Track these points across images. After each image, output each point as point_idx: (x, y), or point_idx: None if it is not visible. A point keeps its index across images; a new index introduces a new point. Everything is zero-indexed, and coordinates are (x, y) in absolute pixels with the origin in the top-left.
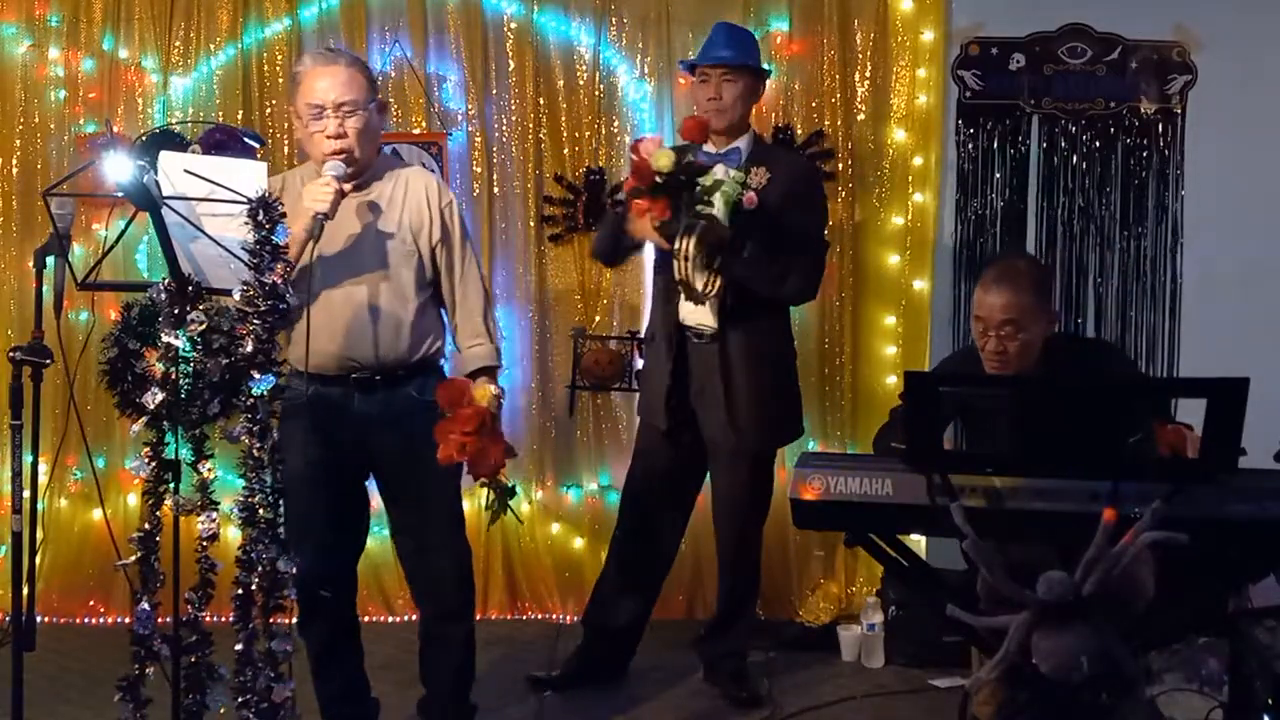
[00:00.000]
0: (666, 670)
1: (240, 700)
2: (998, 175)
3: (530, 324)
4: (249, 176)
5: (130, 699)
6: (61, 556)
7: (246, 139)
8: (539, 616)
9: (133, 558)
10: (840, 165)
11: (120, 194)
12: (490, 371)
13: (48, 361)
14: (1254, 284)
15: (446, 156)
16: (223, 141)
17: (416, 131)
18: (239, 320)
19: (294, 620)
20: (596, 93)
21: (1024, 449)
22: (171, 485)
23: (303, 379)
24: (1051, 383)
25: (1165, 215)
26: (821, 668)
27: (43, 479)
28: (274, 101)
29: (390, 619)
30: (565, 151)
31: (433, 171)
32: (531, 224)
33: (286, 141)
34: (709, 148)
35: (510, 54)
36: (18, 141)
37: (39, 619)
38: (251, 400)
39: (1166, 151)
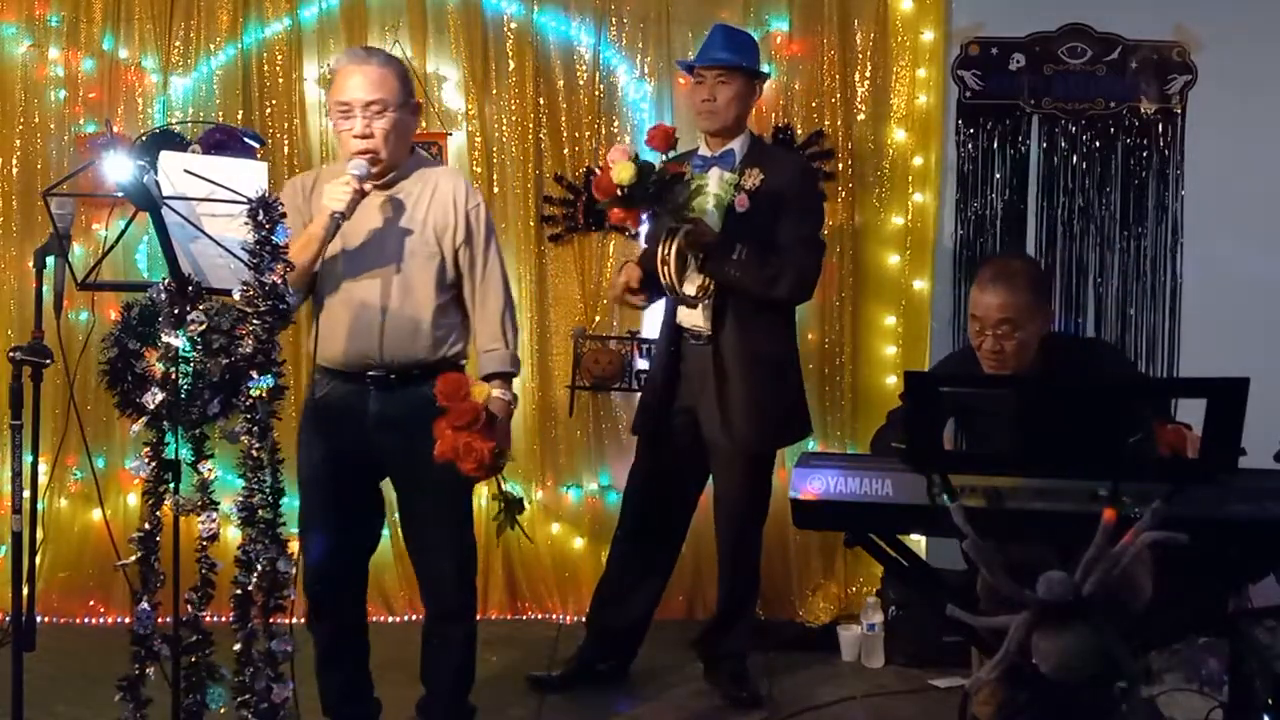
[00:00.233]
0: (666, 670)
1: (239, 700)
2: (998, 175)
3: (530, 324)
4: (249, 176)
5: (130, 699)
6: (61, 556)
7: (246, 139)
8: (539, 616)
9: (133, 558)
10: (840, 165)
11: (120, 194)
12: (505, 377)
13: (48, 361)
14: (1254, 284)
15: (446, 156)
16: (223, 141)
17: (416, 131)
18: (239, 320)
19: (292, 621)
20: (596, 93)
21: (1024, 449)
22: (171, 485)
23: (325, 375)
24: (1051, 383)
25: (1165, 215)
26: (821, 668)
27: (43, 479)
28: (274, 101)
29: (390, 619)
30: (565, 151)
31: None
32: (531, 224)
33: (286, 142)
34: (704, 151)
35: (510, 54)
36: (18, 141)
37: (39, 619)
38: (251, 400)
39: (1166, 151)
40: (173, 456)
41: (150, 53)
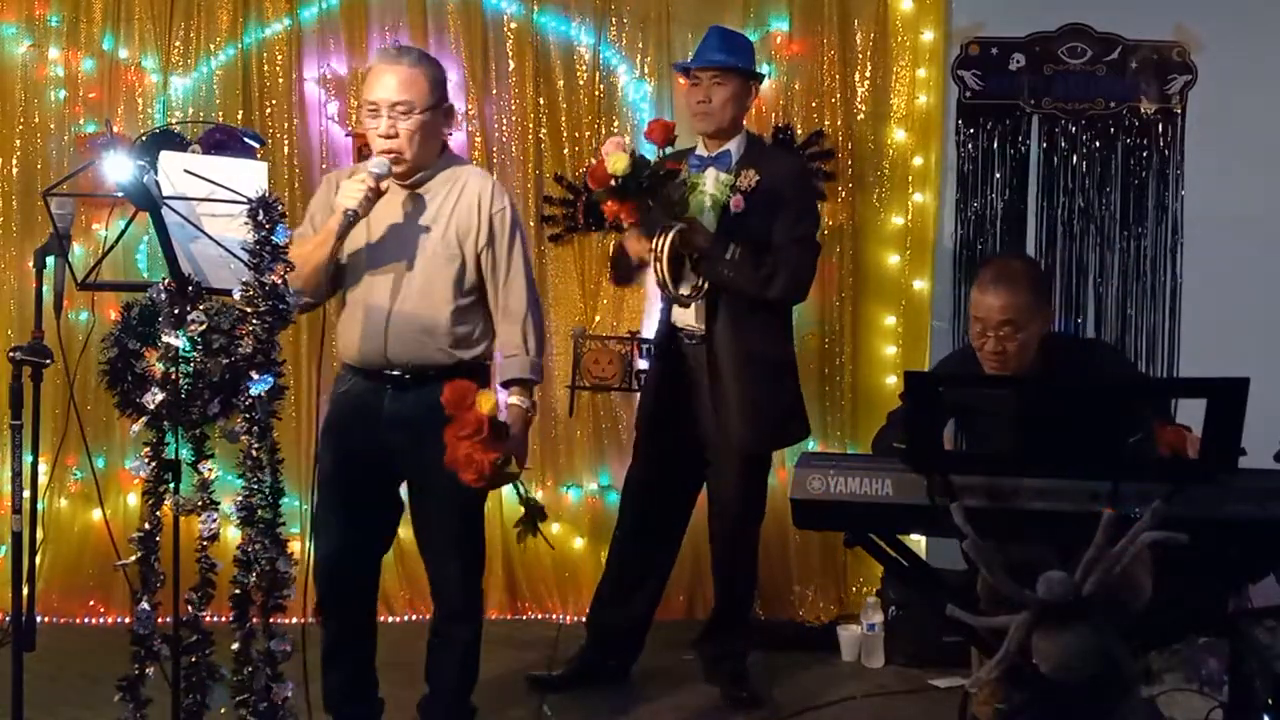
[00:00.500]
0: (666, 670)
1: (238, 700)
2: (998, 175)
3: None
4: (249, 176)
5: (130, 699)
6: (61, 556)
7: (246, 139)
8: (539, 616)
9: (133, 558)
10: (840, 165)
11: (120, 194)
12: (524, 384)
13: (48, 361)
14: (1254, 284)
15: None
16: (223, 141)
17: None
18: (239, 320)
19: (299, 621)
20: (596, 93)
21: (1024, 449)
22: (171, 485)
23: (347, 371)
24: (1051, 383)
25: (1165, 215)
26: (821, 668)
27: (43, 479)
28: (274, 101)
29: (390, 619)
30: (565, 151)
31: None
32: (531, 224)
33: (286, 142)
34: (701, 151)
35: (510, 54)
36: (18, 141)
37: (39, 619)
38: (251, 400)
39: (1166, 151)
40: (173, 456)
41: (150, 53)
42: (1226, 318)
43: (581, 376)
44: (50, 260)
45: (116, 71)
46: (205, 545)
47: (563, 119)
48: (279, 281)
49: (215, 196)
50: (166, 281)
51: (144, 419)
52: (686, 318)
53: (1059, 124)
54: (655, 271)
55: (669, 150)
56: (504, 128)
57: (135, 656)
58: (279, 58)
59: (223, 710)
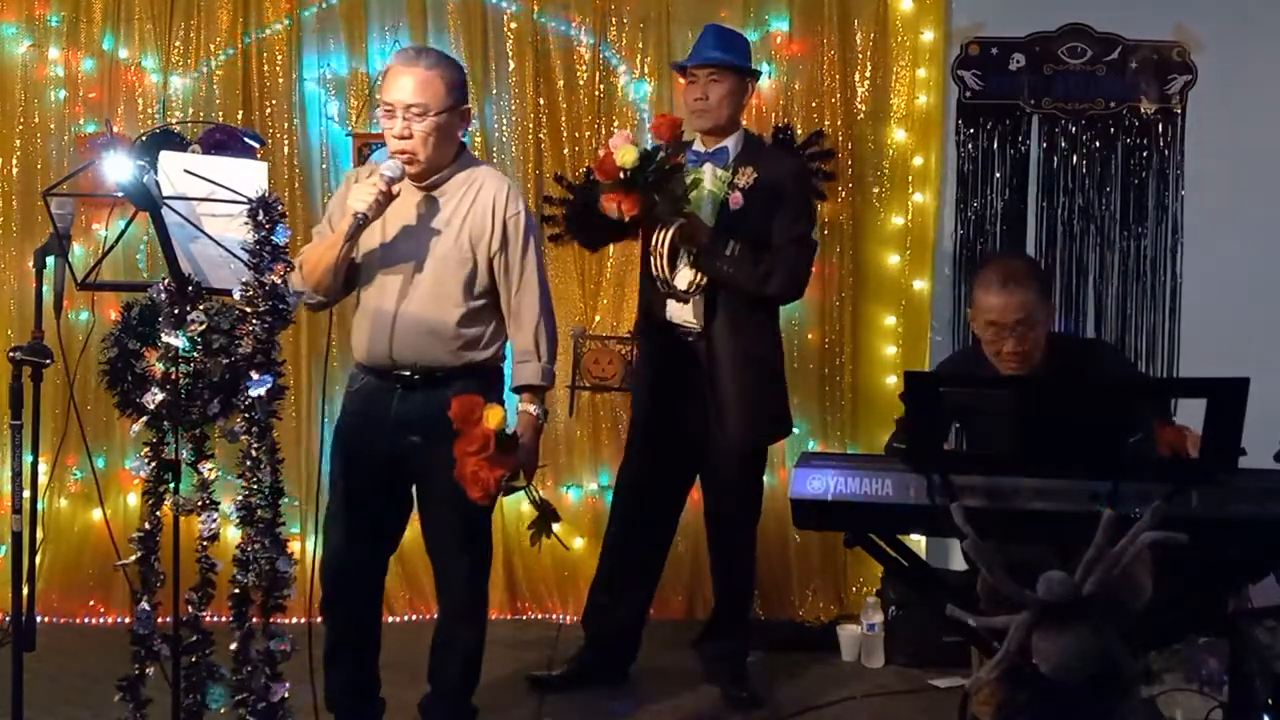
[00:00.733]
0: (666, 670)
1: (237, 699)
2: (998, 175)
3: None
4: (249, 176)
5: (130, 699)
6: (61, 556)
7: (246, 139)
8: (539, 616)
9: (133, 558)
10: (840, 165)
11: (120, 194)
12: (535, 391)
13: (48, 361)
14: (1254, 283)
15: None
16: (223, 141)
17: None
18: (239, 320)
19: (304, 621)
20: (596, 93)
21: (1024, 449)
22: (171, 485)
23: (361, 369)
24: (1051, 383)
25: (1165, 215)
26: (821, 668)
27: (43, 479)
28: (274, 101)
29: (390, 619)
30: (565, 151)
31: None
32: None
33: (286, 142)
34: (698, 146)
35: (510, 54)
36: (18, 141)
37: (39, 619)
38: (251, 400)
39: (1166, 151)
40: (173, 456)
41: (150, 53)
42: (1226, 318)
43: (581, 376)
44: (50, 260)
45: (116, 71)
46: (205, 545)
47: (563, 119)
48: (279, 281)
49: (215, 196)
50: (166, 281)
51: (144, 419)
52: (683, 314)
53: (1059, 124)
54: (653, 267)
55: (672, 146)
56: (504, 128)
57: (135, 656)
58: (279, 58)
59: (222, 710)
